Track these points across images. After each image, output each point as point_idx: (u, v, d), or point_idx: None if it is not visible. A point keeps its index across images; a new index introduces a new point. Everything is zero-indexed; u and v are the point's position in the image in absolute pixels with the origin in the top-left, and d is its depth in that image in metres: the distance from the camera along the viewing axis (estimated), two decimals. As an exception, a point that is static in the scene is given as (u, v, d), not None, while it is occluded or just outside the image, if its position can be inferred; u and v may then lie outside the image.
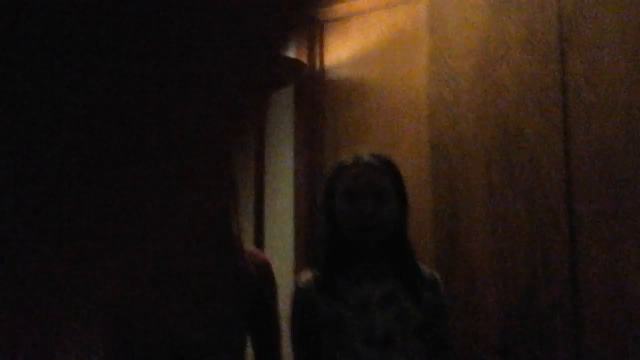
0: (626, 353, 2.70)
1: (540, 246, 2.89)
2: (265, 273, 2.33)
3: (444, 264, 3.07)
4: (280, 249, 3.61)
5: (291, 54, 3.69)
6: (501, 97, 3.03)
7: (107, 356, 2.39)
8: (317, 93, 3.76)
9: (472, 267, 3.05)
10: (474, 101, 3.11)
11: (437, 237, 3.16)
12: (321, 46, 3.75)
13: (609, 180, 2.77)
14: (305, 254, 3.57)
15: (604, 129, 2.79)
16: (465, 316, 3.02)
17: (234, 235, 2.32)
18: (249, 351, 2.35)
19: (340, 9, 3.65)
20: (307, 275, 2.31)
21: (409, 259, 2.28)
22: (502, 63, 3.03)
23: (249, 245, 2.45)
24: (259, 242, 3.48)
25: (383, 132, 3.41)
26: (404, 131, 3.34)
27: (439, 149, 3.21)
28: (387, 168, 2.27)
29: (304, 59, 3.73)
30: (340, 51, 3.67)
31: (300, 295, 2.30)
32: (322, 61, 3.80)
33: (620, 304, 2.72)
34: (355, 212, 2.20)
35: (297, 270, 3.55)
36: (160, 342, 2.17)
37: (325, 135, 3.65)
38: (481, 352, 3.00)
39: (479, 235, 3.05)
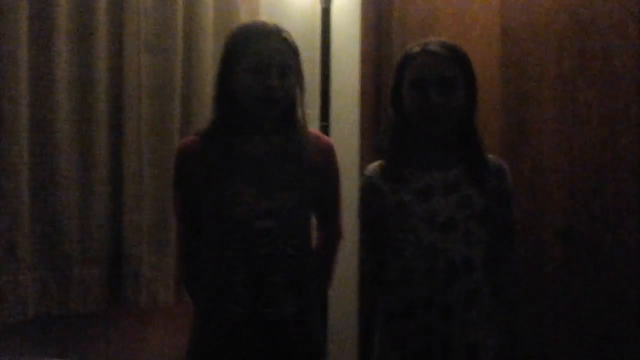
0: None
1: (609, 135, 2.87)
2: (328, 156, 2.38)
3: (512, 148, 3.08)
4: (346, 136, 3.62)
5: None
6: (575, -18, 2.95)
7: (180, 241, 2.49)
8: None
9: (540, 152, 3.05)
10: (547, -13, 3.04)
11: (506, 122, 3.15)
12: None
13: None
14: (370, 142, 3.58)
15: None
16: (530, 200, 3.03)
17: (299, 122, 2.35)
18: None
19: None
20: (374, 164, 2.35)
21: (474, 147, 2.28)
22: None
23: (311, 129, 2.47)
24: (325, 129, 3.49)
25: (453, 18, 3.36)
26: (475, 17, 3.29)
27: (510, 35, 3.15)
28: (456, 57, 2.25)
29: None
30: None
31: (367, 182, 2.34)
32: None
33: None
34: (423, 102, 2.20)
35: (362, 156, 3.58)
36: (231, 229, 2.23)
37: (393, 22, 3.60)
38: (544, 236, 3.03)
39: (548, 122, 3.03)
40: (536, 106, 3.06)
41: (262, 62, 2.22)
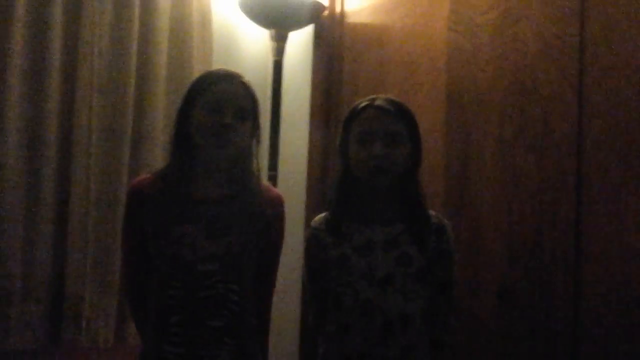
0: (626, 310, 2.77)
1: (547, 200, 2.94)
2: (277, 208, 2.43)
3: (452, 210, 3.13)
4: (293, 187, 3.67)
5: (312, -5, 3.72)
6: (519, 52, 3.05)
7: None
8: (336, 36, 3.79)
9: (479, 215, 3.11)
10: (492, 54, 3.13)
11: (448, 185, 3.22)
12: (343, -11, 3.77)
13: (620, 141, 2.80)
14: (317, 194, 3.64)
15: (619, 91, 2.81)
16: (468, 261, 3.08)
17: (253, 173, 2.41)
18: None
19: (365, -48, 3.66)
20: (320, 216, 2.41)
21: (417, 204, 2.35)
22: (522, 19, 3.04)
23: (263, 180, 2.53)
24: (273, 179, 3.54)
25: (400, 78, 3.45)
26: (421, 79, 3.38)
27: (455, 98, 3.24)
28: (402, 113, 2.33)
29: (324, 0, 3.75)
30: (362, -5, 3.69)
31: (312, 234, 2.40)
32: (342, 4, 3.82)
33: (623, 262, 2.78)
34: (367, 154, 2.27)
35: (308, 208, 3.62)
36: (174, 270, 2.26)
37: (343, 79, 3.68)
38: (481, 296, 3.08)
39: (488, 185, 3.10)
40: (478, 169, 3.13)
41: (218, 101, 2.29)
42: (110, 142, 3.26)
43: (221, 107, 2.28)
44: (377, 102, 2.32)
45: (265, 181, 2.55)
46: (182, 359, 2.23)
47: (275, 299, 2.53)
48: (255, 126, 2.38)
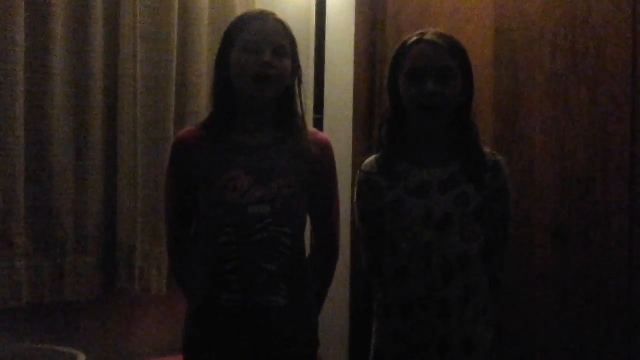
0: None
1: (600, 135, 2.89)
2: (325, 152, 2.39)
3: (503, 147, 3.08)
4: (339, 131, 3.64)
5: None
6: (570, -18, 2.97)
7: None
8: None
9: (531, 151, 3.07)
10: (542, -15, 3.06)
11: (498, 121, 3.16)
12: None
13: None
14: (364, 137, 3.60)
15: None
16: (520, 197, 3.04)
17: (298, 115, 2.38)
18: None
19: None
20: (371, 159, 2.37)
21: (471, 141, 2.29)
22: (573, -51, 2.96)
23: (309, 125, 2.50)
24: (318, 122, 3.51)
25: (447, 13, 3.37)
26: (469, 13, 3.30)
27: (504, 33, 3.17)
28: (452, 47, 2.26)
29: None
30: None
31: (364, 177, 2.36)
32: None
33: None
34: (420, 92, 2.21)
35: (355, 150, 3.60)
36: (225, 215, 2.25)
37: (387, 16, 3.61)
38: (535, 232, 3.05)
39: (540, 120, 3.04)
40: (528, 105, 3.07)
41: (255, 41, 2.24)
42: (155, 90, 3.25)
43: (258, 45, 2.24)
44: (428, 37, 2.25)
45: (311, 126, 2.51)
46: (240, 305, 2.23)
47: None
48: (296, 65, 2.34)
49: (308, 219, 2.40)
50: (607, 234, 2.87)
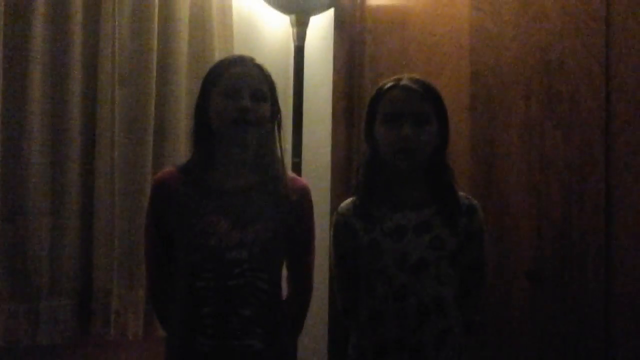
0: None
1: (575, 177, 2.91)
2: (303, 197, 2.40)
3: (480, 191, 3.09)
4: (317, 174, 3.64)
5: (332, -23, 3.68)
6: (544, 28, 3.00)
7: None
8: (357, 18, 3.76)
9: (507, 194, 3.08)
10: (516, 31, 3.09)
11: (474, 165, 3.18)
12: (363, -29, 3.73)
13: (649, 115, 2.77)
14: (342, 181, 3.61)
15: (647, 63, 2.78)
16: (497, 242, 3.06)
17: (278, 159, 2.39)
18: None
19: None
20: (347, 202, 2.38)
21: (447, 184, 2.31)
22: (546, -6, 3.01)
23: (288, 170, 2.51)
24: (297, 167, 3.52)
25: (423, 60, 3.41)
26: (445, 60, 3.34)
27: (479, 78, 3.20)
28: (428, 92, 2.30)
29: (345, -18, 3.72)
30: (382, -24, 3.65)
31: (340, 220, 2.37)
32: (363, -15, 3.78)
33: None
34: (395, 136, 2.23)
35: (333, 193, 3.60)
36: (203, 260, 2.25)
37: (365, 62, 3.65)
38: (510, 278, 3.06)
39: (515, 165, 3.06)
40: (504, 148, 3.10)
41: (234, 86, 2.28)
42: (133, 134, 3.26)
43: (237, 90, 2.28)
44: (404, 82, 2.29)
45: (290, 171, 2.52)
46: (216, 350, 2.22)
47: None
48: (275, 109, 2.36)
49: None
50: (583, 278, 2.87)
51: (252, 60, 2.36)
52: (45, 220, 3.03)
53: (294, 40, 3.64)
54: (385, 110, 2.28)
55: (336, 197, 3.49)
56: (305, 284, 2.47)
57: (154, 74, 3.30)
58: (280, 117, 2.41)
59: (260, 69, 2.34)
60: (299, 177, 2.54)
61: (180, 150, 3.29)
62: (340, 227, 2.37)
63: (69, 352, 3.14)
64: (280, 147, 2.41)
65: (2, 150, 2.95)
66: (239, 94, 2.27)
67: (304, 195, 2.41)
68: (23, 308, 2.99)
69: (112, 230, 3.16)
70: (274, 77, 2.39)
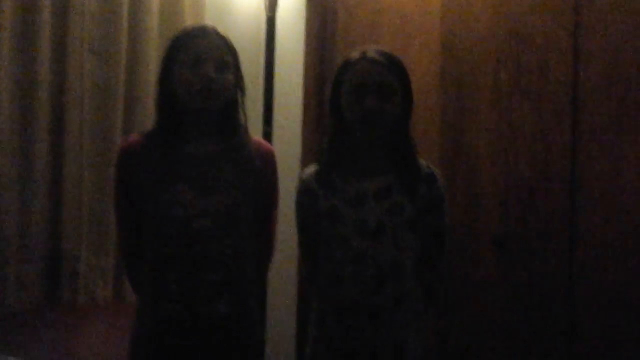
0: (620, 256, 2.78)
1: (542, 147, 2.94)
2: (268, 162, 2.42)
3: (448, 159, 3.14)
4: (288, 142, 3.66)
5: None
6: (514, 0, 3.03)
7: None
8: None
9: (475, 162, 3.12)
10: (486, 3, 3.12)
11: (443, 134, 3.22)
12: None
13: (616, 87, 2.80)
14: (313, 148, 3.63)
15: (614, 36, 2.80)
16: (464, 209, 3.10)
17: (241, 126, 2.40)
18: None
19: None
20: (310, 169, 2.40)
21: (407, 154, 2.34)
22: (516, -35, 3.03)
23: (256, 136, 2.52)
24: (268, 135, 3.53)
25: (394, 29, 3.42)
26: (416, 30, 3.35)
27: (449, 48, 3.23)
28: (393, 65, 2.31)
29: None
30: (355, -54, 3.64)
31: (302, 187, 2.40)
32: (336, -45, 3.78)
33: (617, 210, 2.79)
34: (360, 107, 2.26)
35: (303, 162, 3.62)
36: (168, 228, 2.26)
37: (336, 33, 3.65)
38: (477, 244, 3.10)
39: (484, 134, 3.10)
40: (473, 118, 3.13)
41: (199, 56, 2.29)
42: (102, 102, 3.24)
43: (201, 61, 2.29)
44: (369, 55, 2.30)
45: (256, 136, 2.53)
46: (180, 315, 2.24)
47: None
48: (238, 77, 2.37)
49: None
50: (548, 244, 2.92)
51: (214, 29, 2.37)
52: (13, 184, 3.01)
53: (267, 11, 3.63)
54: (351, 81, 2.30)
55: (307, 166, 3.50)
56: (266, 249, 2.50)
57: (124, 42, 3.29)
58: (244, 85, 2.42)
59: (222, 38, 2.36)
60: (264, 142, 2.55)
61: (149, 118, 3.27)
62: (303, 193, 2.40)
63: (37, 317, 3.14)
64: (244, 113, 2.43)
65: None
66: (203, 65, 2.28)
67: (269, 160, 2.43)
68: (-10, 272, 2.98)
69: (81, 196, 3.16)
70: (245, 46, 2.41)
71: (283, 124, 3.71)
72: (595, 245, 2.82)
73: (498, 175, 3.05)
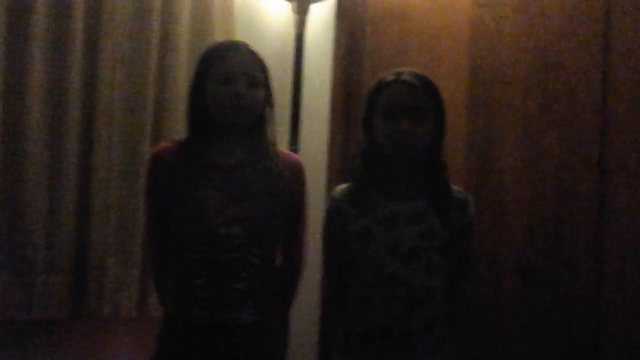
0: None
1: (570, 176, 2.93)
2: (296, 172, 2.45)
3: (474, 185, 3.13)
4: (314, 163, 3.65)
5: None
6: (543, 26, 3.03)
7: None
8: (358, 8, 3.77)
9: (501, 189, 3.11)
10: (515, 29, 3.12)
11: (470, 159, 3.21)
12: (366, -39, 3.74)
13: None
14: (338, 168, 3.64)
15: (645, 66, 2.81)
16: (489, 235, 3.09)
17: (269, 140, 2.43)
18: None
19: None
20: (342, 187, 2.41)
21: (440, 178, 2.35)
22: (547, -7, 3.04)
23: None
24: (293, 152, 3.54)
25: (422, 53, 3.43)
26: (444, 54, 3.36)
27: (477, 73, 3.23)
28: (428, 88, 2.32)
29: (347, -27, 3.74)
30: (385, -32, 3.66)
31: (333, 205, 2.40)
32: (365, -24, 3.80)
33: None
34: (393, 130, 2.26)
35: (329, 181, 3.63)
36: (197, 234, 2.29)
37: (364, 52, 3.67)
38: (503, 272, 3.09)
39: (511, 161, 3.09)
40: (500, 144, 3.12)
41: (230, 72, 2.32)
42: (132, 112, 3.27)
43: (233, 77, 2.32)
44: (404, 77, 2.31)
45: (283, 149, 2.57)
46: (207, 321, 2.27)
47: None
48: (268, 93, 2.40)
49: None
50: (574, 275, 2.90)
51: (245, 45, 2.40)
52: (42, 195, 3.05)
53: (295, 28, 3.66)
54: (385, 103, 2.30)
55: (332, 185, 3.50)
56: (298, 259, 2.53)
57: (155, 55, 3.32)
58: (273, 100, 2.45)
59: (254, 54, 2.39)
60: (291, 153, 2.59)
61: (179, 130, 3.30)
62: (334, 212, 2.40)
63: (62, 327, 3.17)
64: (272, 129, 2.47)
65: (2, 123, 2.96)
66: (234, 81, 2.32)
67: (297, 171, 2.46)
68: (17, 282, 3.00)
69: (109, 207, 3.19)
70: (274, 64, 2.44)
71: (310, 141, 3.72)
72: (623, 278, 2.81)
73: (524, 203, 3.04)
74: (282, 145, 3.20)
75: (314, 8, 3.70)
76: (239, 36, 3.53)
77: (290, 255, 2.51)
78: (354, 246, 2.32)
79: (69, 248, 3.12)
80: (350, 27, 3.77)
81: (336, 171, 3.62)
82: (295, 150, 3.56)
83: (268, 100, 2.42)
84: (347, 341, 2.32)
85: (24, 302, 3.02)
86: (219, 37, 3.49)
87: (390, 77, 2.33)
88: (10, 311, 2.99)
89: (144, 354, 2.44)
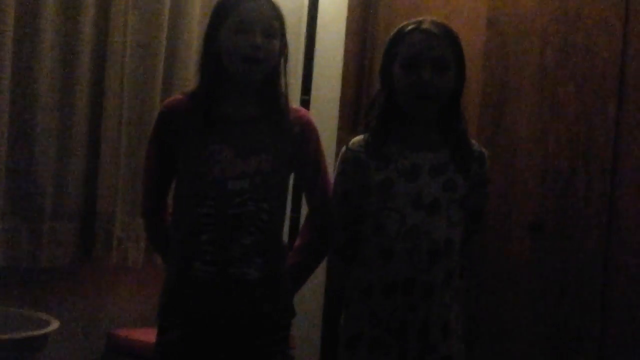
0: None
1: (585, 130, 2.91)
2: (306, 128, 2.40)
3: (487, 137, 3.10)
4: (325, 111, 3.63)
5: None
6: (563, -24, 2.99)
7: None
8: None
9: (514, 143, 3.09)
10: (535, -21, 3.07)
11: (484, 111, 3.19)
12: None
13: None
14: (350, 119, 3.61)
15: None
16: (501, 189, 3.07)
17: (282, 93, 2.38)
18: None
19: None
20: (358, 139, 2.36)
21: (461, 131, 2.31)
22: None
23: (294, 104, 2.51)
24: (305, 102, 3.51)
25: (439, 2, 3.38)
26: (461, 4, 3.31)
27: (495, 24, 3.18)
28: (449, 36, 2.27)
29: None
30: None
31: (351, 156, 2.34)
32: None
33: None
34: (414, 80, 2.21)
35: (340, 132, 3.60)
36: (204, 188, 2.26)
37: (380, 3, 3.61)
38: (513, 226, 3.08)
39: (526, 113, 3.07)
40: (515, 97, 3.09)
41: (246, 22, 2.25)
42: (144, 59, 3.24)
43: (249, 27, 2.25)
44: (425, 26, 2.25)
45: (292, 103, 2.51)
46: (213, 276, 2.24)
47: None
48: (283, 44, 2.35)
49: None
50: (585, 230, 2.90)
51: None
52: (52, 142, 3.03)
53: (309, -24, 3.61)
54: (405, 53, 2.25)
55: (344, 137, 3.47)
56: (325, 208, 2.42)
57: (168, 1, 3.28)
58: (287, 51, 2.39)
59: (270, 2, 2.32)
60: (302, 109, 2.52)
61: (190, 78, 3.27)
62: (350, 163, 2.34)
63: (69, 274, 3.16)
64: (285, 81, 2.41)
65: (12, 71, 2.93)
66: (250, 31, 2.25)
67: (307, 126, 2.40)
68: (25, 228, 2.99)
69: (118, 156, 3.17)
70: (288, 14, 2.37)
71: (322, 93, 3.68)
72: (634, 232, 2.79)
73: (537, 156, 3.02)
74: (294, 95, 3.16)
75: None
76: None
77: (315, 206, 2.46)
78: (374, 199, 2.28)
79: (78, 195, 3.10)
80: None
81: (347, 122, 3.58)
82: (307, 101, 3.52)
83: (282, 51, 2.37)
84: (366, 295, 2.28)
85: (32, 248, 3.00)
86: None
87: (410, 26, 2.27)
88: (18, 257, 2.98)
89: (151, 304, 2.43)
